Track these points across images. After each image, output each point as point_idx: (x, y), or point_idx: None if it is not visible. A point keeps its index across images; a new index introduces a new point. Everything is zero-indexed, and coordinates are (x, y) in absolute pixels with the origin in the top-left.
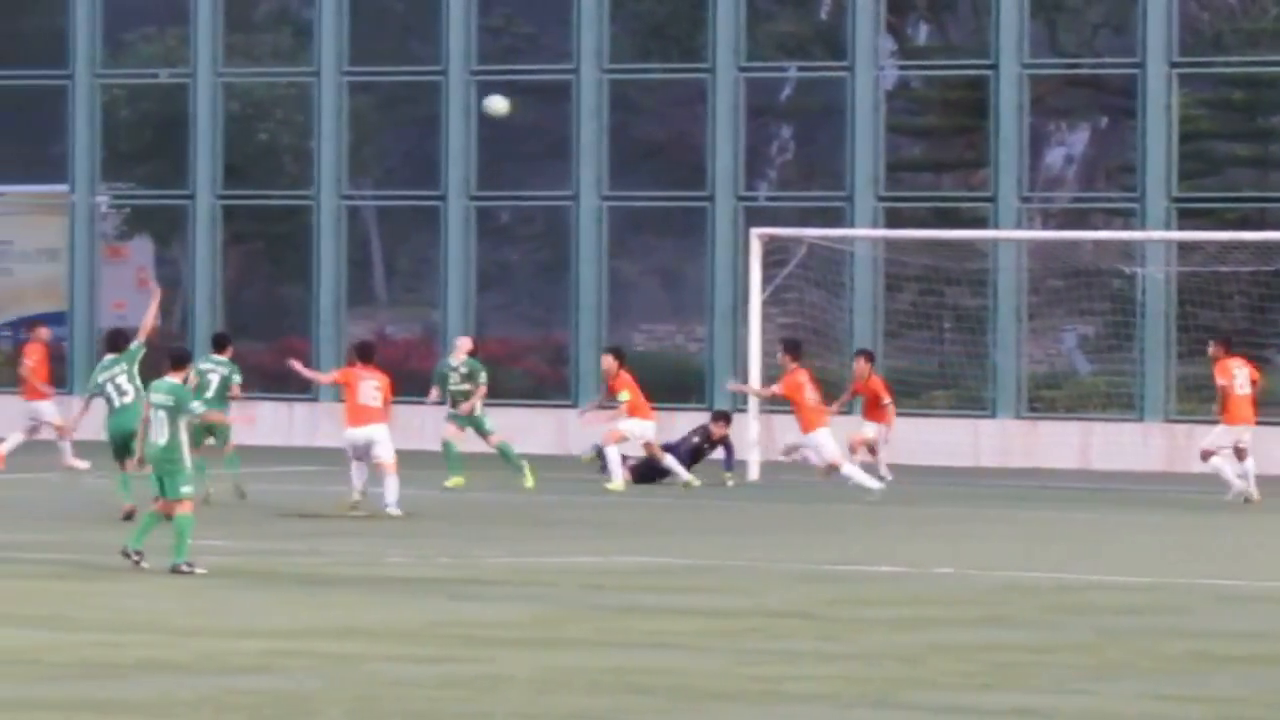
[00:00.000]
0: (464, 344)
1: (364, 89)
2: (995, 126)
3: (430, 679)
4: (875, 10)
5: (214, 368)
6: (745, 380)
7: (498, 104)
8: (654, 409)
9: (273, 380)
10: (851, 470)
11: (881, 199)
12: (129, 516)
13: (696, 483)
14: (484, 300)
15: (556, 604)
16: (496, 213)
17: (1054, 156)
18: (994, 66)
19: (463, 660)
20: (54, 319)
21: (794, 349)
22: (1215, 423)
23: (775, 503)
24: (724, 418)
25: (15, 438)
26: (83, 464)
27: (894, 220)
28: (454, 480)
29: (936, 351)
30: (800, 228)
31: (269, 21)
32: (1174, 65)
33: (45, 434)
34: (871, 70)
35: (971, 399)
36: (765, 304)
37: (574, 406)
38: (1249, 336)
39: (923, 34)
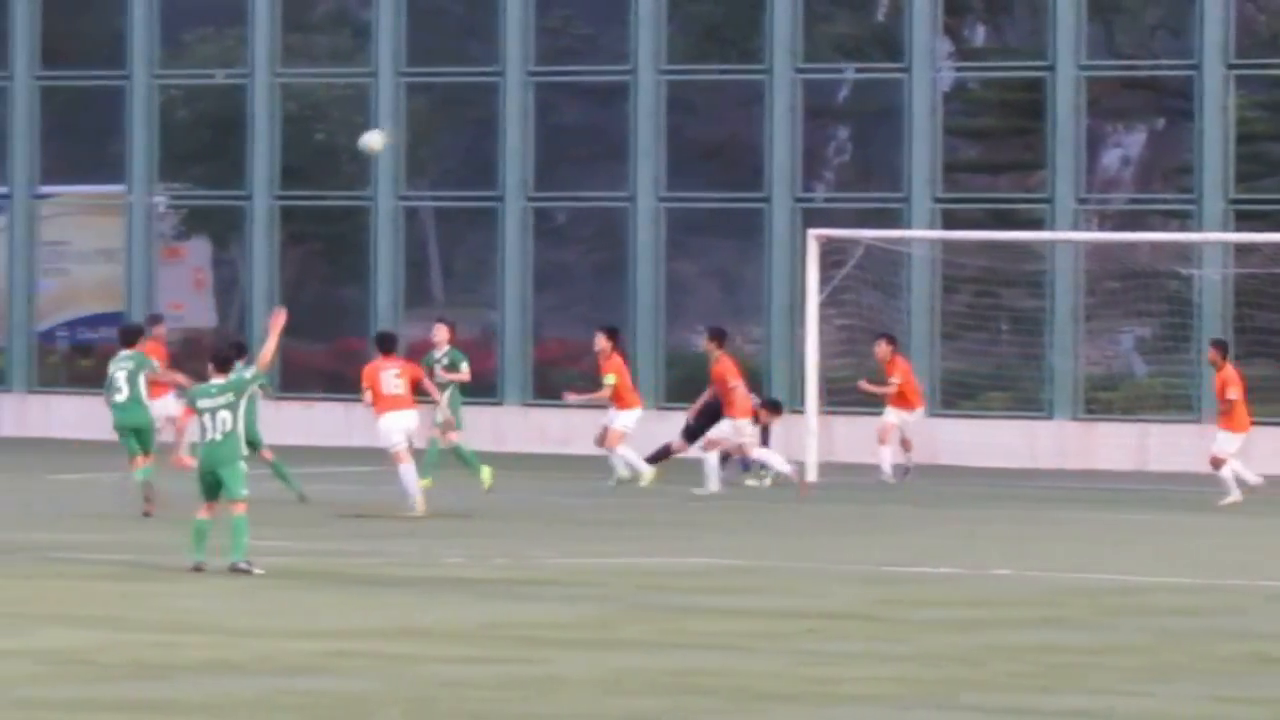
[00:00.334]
0: (441, 332)
1: (421, 90)
2: (1052, 128)
3: (487, 680)
4: (932, 12)
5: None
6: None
7: (373, 139)
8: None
9: (331, 381)
10: (762, 454)
11: (938, 200)
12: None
13: (648, 478)
14: (541, 301)
15: (614, 605)
16: (554, 214)
17: (1110, 158)
18: (1051, 68)
19: (520, 661)
20: (110, 319)
21: (719, 336)
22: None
23: (832, 503)
24: (775, 408)
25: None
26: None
27: (950, 222)
28: (485, 475)
29: (993, 353)
30: (857, 229)
31: (326, 22)
32: (1231, 67)
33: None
34: (929, 72)
35: (1028, 400)
36: (822, 305)
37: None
38: None
39: (980, 35)
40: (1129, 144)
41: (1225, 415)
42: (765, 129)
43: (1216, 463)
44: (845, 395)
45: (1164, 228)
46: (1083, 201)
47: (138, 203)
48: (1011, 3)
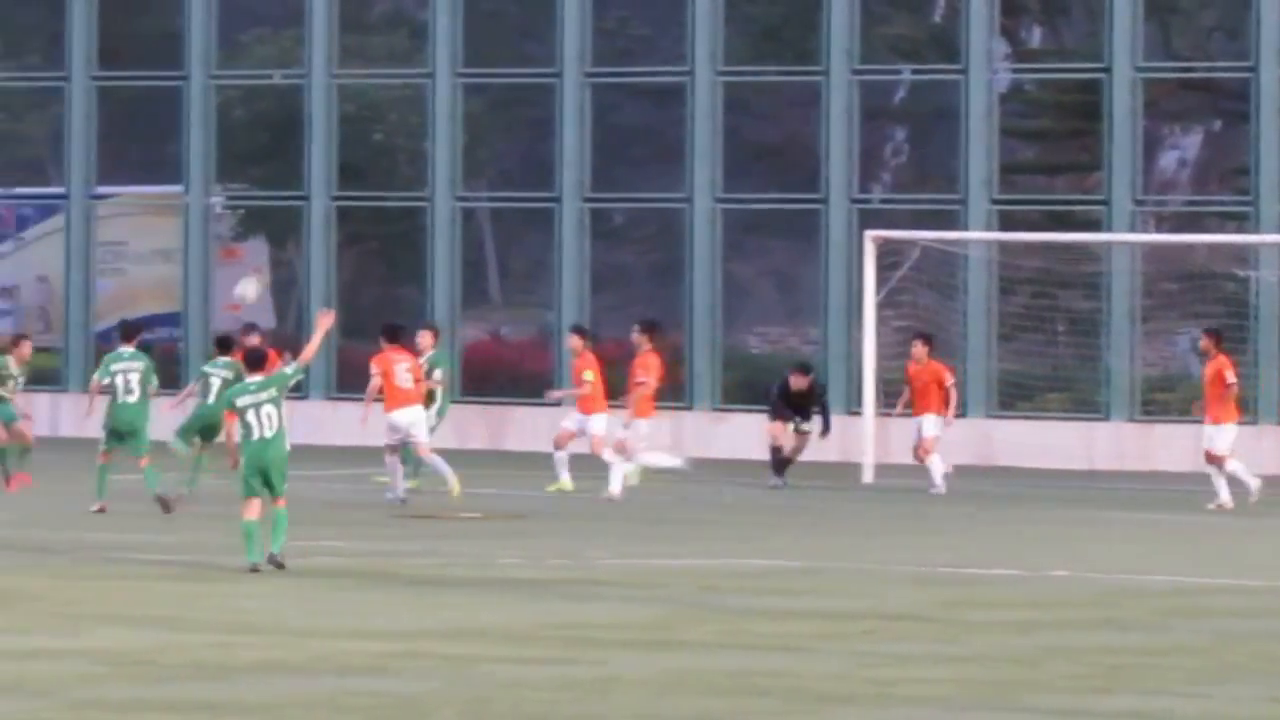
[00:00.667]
0: (426, 338)
1: (478, 90)
2: (1109, 129)
3: (545, 681)
4: (989, 13)
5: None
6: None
7: (248, 289)
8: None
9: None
10: (648, 458)
11: (995, 202)
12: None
13: (569, 487)
14: (598, 302)
15: (671, 605)
16: (610, 214)
17: (1167, 160)
18: (1107, 70)
19: (578, 662)
20: (167, 320)
21: (650, 329)
22: None
23: (889, 504)
24: (804, 370)
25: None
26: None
27: (1007, 223)
28: (455, 488)
29: (1050, 354)
30: (914, 230)
31: (383, 23)
32: None
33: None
34: (985, 73)
35: (1085, 402)
36: (879, 306)
37: (689, 409)
38: None
39: (1036, 37)
40: (1186, 145)
41: (1219, 405)
42: (822, 130)
43: (1215, 459)
44: (902, 396)
45: (1221, 229)
46: (1140, 203)
47: (195, 203)
48: (1068, 4)
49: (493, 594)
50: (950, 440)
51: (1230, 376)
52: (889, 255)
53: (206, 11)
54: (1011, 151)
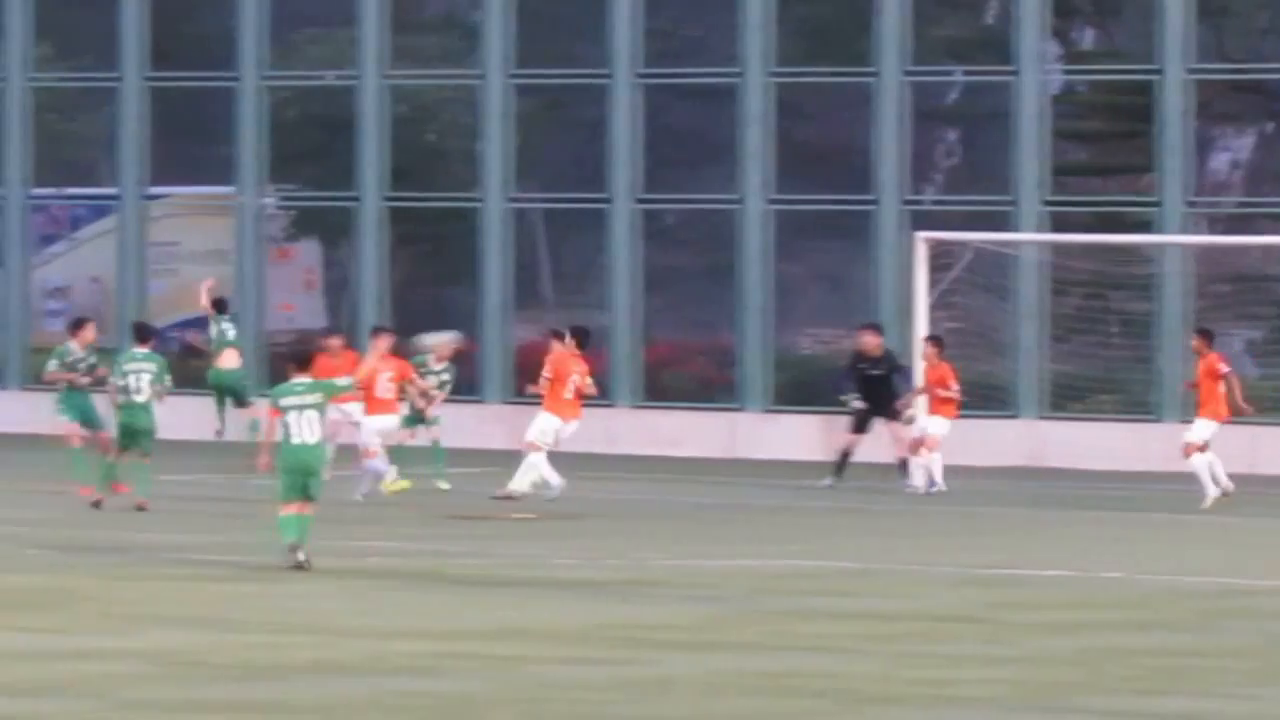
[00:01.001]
0: (446, 349)
1: (531, 91)
2: (1160, 131)
3: (596, 681)
4: (1041, 14)
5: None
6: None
7: (440, 339)
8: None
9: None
10: (537, 459)
11: (1047, 203)
12: (98, 505)
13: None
14: (650, 303)
15: (722, 606)
16: (663, 215)
17: (1219, 161)
18: (1159, 71)
19: (629, 662)
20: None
21: (581, 335)
22: None
23: (940, 506)
24: (875, 329)
25: None
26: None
27: (1059, 224)
28: (443, 483)
29: (1102, 356)
30: (966, 232)
31: (436, 24)
32: None
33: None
34: (1037, 74)
35: (1137, 403)
36: (931, 308)
37: (740, 410)
38: None
39: (1088, 38)
40: (1238, 147)
41: (1209, 401)
42: (874, 131)
43: (1190, 450)
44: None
45: (1273, 231)
46: (1192, 205)
47: (248, 204)
48: (1120, 6)
49: (545, 594)
50: (1002, 441)
51: (1223, 367)
52: (941, 257)
53: (259, 12)
54: (1063, 153)
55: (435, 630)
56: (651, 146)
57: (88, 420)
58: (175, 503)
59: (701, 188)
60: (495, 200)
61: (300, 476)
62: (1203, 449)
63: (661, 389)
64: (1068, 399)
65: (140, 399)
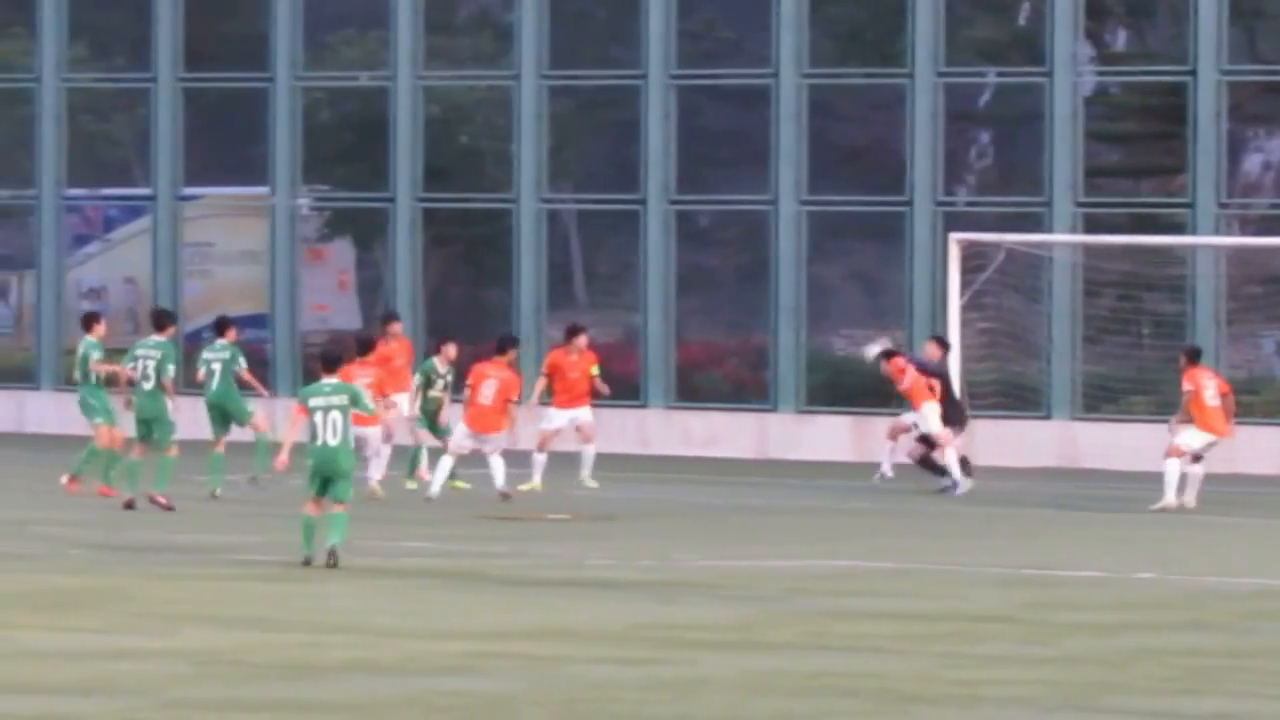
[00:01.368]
0: (452, 350)
1: (564, 93)
2: (1193, 133)
3: (633, 681)
4: (1074, 16)
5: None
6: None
7: (871, 349)
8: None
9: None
10: (448, 464)
11: (1080, 204)
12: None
13: (539, 488)
14: (683, 304)
15: (758, 606)
16: (696, 217)
17: (1252, 163)
18: (1192, 73)
19: (666, 663)
20: (254, 321)
21: (512, 344)
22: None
23: (975, 506)
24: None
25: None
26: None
27: (1092, 226)
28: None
29: (1134, 357)
30: (998, 233)
31: (469, 25)
32: None
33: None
34: (1070, 76)
35: (1170, 404)
36: (964, 309)
37: (774, 411)
38: None
39: (1121, 40)
40: (1270, 149)
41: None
42: (907, 133)
43: (1174, 452)
44: (987, 399)
45: None
46: (1224, 206)
47: (281, 205)
48: (1153, 7)
49: (582, 595)
50: (1034, 442)
51: (1185, 385)
52: (974, 258)
53: (292, 13)
54: (1096, 154)
55: (474, 630)
56: (684, 147)
57: (111, 419)
58: (213, 502)
59: (734, 189)
60: (528, 201)
61: (323, 477)
62: (1183, 454)
63: (694, 390)
64: (1100, 400)
65: (147, 385)
